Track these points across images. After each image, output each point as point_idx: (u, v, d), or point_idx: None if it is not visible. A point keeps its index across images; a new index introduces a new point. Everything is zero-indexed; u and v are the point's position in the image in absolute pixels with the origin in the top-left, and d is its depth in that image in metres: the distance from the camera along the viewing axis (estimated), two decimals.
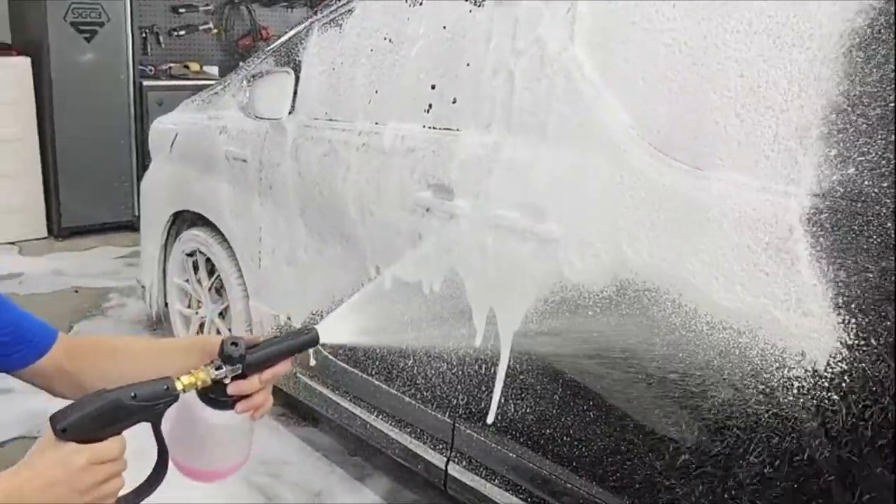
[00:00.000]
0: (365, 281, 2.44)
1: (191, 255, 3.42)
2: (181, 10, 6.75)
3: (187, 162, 3.26)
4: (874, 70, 1.34)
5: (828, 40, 1.40)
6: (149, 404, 1.02)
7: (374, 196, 2.31)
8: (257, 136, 2.78)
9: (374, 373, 2.51)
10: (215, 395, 1.12)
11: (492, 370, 2.07)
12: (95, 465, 0.97)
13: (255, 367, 1.12)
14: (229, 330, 3.24)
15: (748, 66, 1.50)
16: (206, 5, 6.87)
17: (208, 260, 3.31)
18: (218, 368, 1.09)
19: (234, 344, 1.11)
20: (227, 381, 1.11)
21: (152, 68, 6.26)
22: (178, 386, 1.05)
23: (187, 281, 3.52)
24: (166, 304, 3.68)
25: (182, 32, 6.77)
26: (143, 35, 6.48)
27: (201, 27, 6.83)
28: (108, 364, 1.25)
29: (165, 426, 1.10)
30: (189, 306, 3.58)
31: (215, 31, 6.88)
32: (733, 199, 1.51)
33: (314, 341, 1.19)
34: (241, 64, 3.05)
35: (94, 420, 0.98)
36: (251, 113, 2.62)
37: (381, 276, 2.32)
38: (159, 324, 3.91)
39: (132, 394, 1.01)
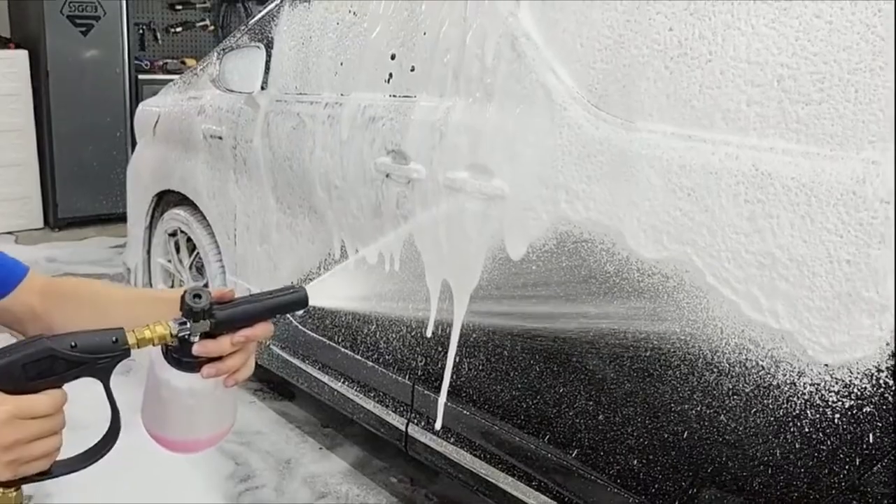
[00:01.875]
0: (331, 254, 2.50)
1: (173, 234, 3.49)
2: (178, 7, 6.85)
3: (169, 143, 3.33)
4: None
5: None
6: (91, 356, 0.89)
7: (338, 168, 2.37)
8: (232, 114, 2.85)
9: (340, 340, 2.56)
10: (180, 356, 0.96)
11: (447, 331, 2.12)
12: (21, 420, 0.84)
13: (225, 325, 0.96)
14: None
15: (676, 20, 1.56)
16: (204, 2, 6.97)
17: (189, 239, 3.37)
18: (182, 324, 0.93)
19: (197, 296, 0.94)
20: (193, 339, 0.94)
21: (149, 63, 6.35)
22: (131, 339, 0.91)
23: (170, 261, 3.58)
24: (150, 285, 3.74)
25: (179, 29, 6.87)
26: (141, 31, 6.58)
27: (198, 24, 6.93)
28: (83, 310, 1.11)
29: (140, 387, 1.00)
30: (172, 286, 3.64)
31: (212, 27, 6.98)
32: (661, 148, 1.56)
33: (302, 302, 1.03)
34: (221, 45, 3.12)
35: (24, 368, 0.86)
36: (221, 85, 2.68)
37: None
38: None
39: (72, 343, 0.88)
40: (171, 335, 0.93)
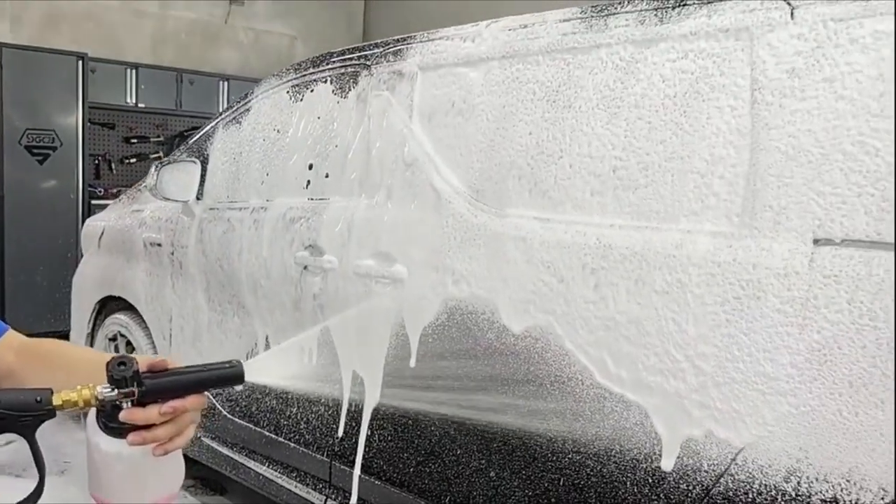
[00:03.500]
0: (255, 348, 2.65)
1: (113, 339, 3.58)
2: (133, 141, 7.10)
3: (113, 253, 3.48)
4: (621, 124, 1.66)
5: (587, 102, 1.72)
6: (13, 414, 0.89)
7: (262, 267, 2.55)
8: (170, 223, 3.03)
9: (265, 424, 2.67)
10: (108, 421, 0.94)
11: (360, 407, 2.26)
12: None
13: (154, 394, 0.93)
14: None
15: (534, 125, 1.83)
16: (157, 137, 7.24)
17: (129, 343, 3.47)
18: (108, 390, 0.91)
19: (122, 364, 0.91)
20: (124, 405, 0.92)
21: (102, 190, 6.53)
22: (56, 401, 0.90)
23: None
24: None
25: (133, 160, 7.09)
26: (96, 161, 6.79)
27: (152, 156, 7.16)
28: (57, 371, 1.09)
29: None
30: None
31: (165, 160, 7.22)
32: (525, 230, 1.79)
33: (237, 377, 1.00)
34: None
35: None
36: (158, 194, 2.88)
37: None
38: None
39: None
40: (97, 399, 0.91)
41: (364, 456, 2.27)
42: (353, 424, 2.29)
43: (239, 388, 0.86)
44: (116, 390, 0.91)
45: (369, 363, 2.20)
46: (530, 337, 1.77)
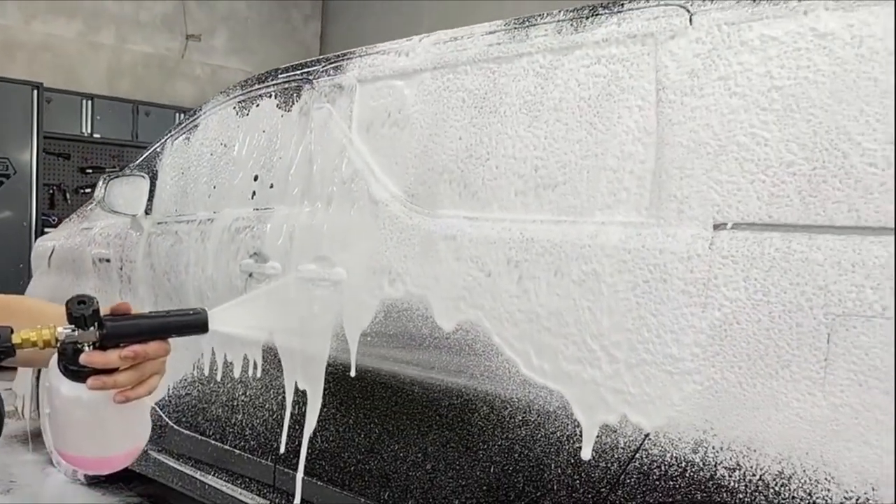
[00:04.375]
0: (201, 359, 2.66)
1: None
2: (88, 171, 7.07)
3: (62, 271, 3.46)
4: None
5: (511, 108, 1.81)
6: None
7: (209, 277, 2.58)
8: (119, 238, 3.04)
9: (210, 433, 2.67)
10: (69, 364, 0.90)
11: (303, 411, 2.28)
12: None
13: (115, 338, 0.90)
14: None
15: (463, 130, 1.90)
16: (113, 167, 7.21)
17: None
18: (69, 331, 0.89)
19: (82, 302, 0.88)
20: (85, 348, 0.89)
21: (56, 219, 6.46)
22: (15, 339, 0.88)
23: None
24: (38, 412, 3.73)
25: (88, 191, 7.05)
26: (51, 191, 6.74)
27: None
28: (19, 320, 1.01)
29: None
30: None
31: None
32: (455, 228, 1.86)
33: (201, 324, 0.97)
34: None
35: None
36: (106, 207, 2.89)
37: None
38: (34, 440, 3.92)
39: None
40: (56, 340, 0.88)
41: (307, 458, 2.29)
42: (297, 427, 2.31)
43: (204, 335, 0.84)
44: (77, 331, 0.88)
45: (311, 367, 2.23)
46: (462, 331, 1.83)
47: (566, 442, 1.64)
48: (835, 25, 1.33)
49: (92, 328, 0.88)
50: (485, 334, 1.78)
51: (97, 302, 0.89)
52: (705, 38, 1.49)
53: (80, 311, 0.87)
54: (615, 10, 1.66)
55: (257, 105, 2.56)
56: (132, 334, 0.91)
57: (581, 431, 1.60)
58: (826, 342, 1.29)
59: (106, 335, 0.89)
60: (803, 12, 1.37)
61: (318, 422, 2.23)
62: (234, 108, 2.66)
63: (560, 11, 1.76)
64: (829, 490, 1.28)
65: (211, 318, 0.98)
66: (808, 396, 1.30)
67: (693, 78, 1.49)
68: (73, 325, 0.88)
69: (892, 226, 1.24)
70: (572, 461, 1.63)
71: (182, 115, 7.14)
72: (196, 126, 2.79)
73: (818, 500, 1.29)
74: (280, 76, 2.51)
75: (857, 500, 1.25)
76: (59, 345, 0.88)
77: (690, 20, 1.52)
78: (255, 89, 2.58)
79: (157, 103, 7.09)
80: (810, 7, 1.37)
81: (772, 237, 1.36)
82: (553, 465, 1.66)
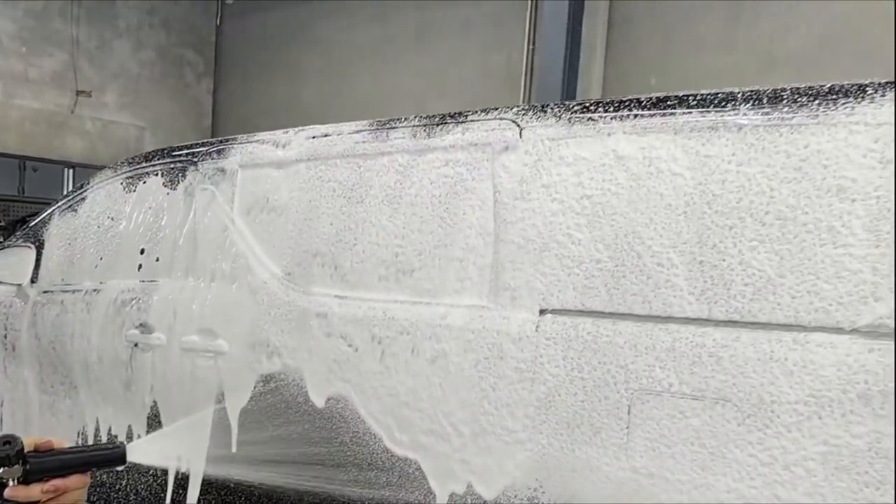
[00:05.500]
0: (85, 428, 2.69)
1: None
2: None
3: None
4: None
5: (375, 199, 1.99)
6: None
7: (94, 348, 2.63)
8: (3, 306, 3.04)
9: (95, 500, 2.69)
10: None
11: (187, 476, 2.36)
12: None
13: (38, 473, 0.98)
14: None
15: (334, 217, 2.07)
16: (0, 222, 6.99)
17: None
18: None
19: (7, 443, 0.96)
20: (10, 483, 0.97)
21: None
22: None
23: None
24: None
25: None
26: None
27: None
28: None
29: None
30: None
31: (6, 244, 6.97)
32: (327, 306, 2.02)
33: (120, 458, 1.06)
34: None
35: None
36: None
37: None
38: None
39: None
40: None
41: None
42: (181, 492, 2.38)
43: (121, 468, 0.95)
44: (3, 468, 0.96)
45: (194, 439, 2.32)
46: (333, 401, 1.98)
47: None
48: (630, 147, 1.59)
49: (17, 465, 0.97)
50: (353, 407, 1.93)
51: (21, 441, 0.98)
52: (532, 150, 1.72)
53: (6, 451, 0.96)
54: (460, 120, 1.88)
55: (144, 182, 2.66)
56: (54, 469, 1.00)
57: (435, 499, 1.77)
58: (627, 413, 1.51)
59: (29, 471, 0.98)
60: (607, 134, 1.62)
61: (202, 492, 2.31)
62: (122, 183, 2.74)
63: (415, 117, 1.97)
64: None
65: (129, 450, 1.07)
66: (614, 460, 1.52)
67: (522, 184, 1.72)
68: None
69: (673, 315, 1.48)
70: None
71: (71, 171, 7.04)
72: (84, 199, 2.85)
73: None
74: (166, 156, 2.62)
75: None
76: None
77: (520, 134, 1.75)
78: (142, 167, 2.68)
79: (46, 158, 6.95)
80: (612, 130, 1.62)
81: (584, 322, 1.59)
82: None
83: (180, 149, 2.62)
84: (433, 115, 1.94)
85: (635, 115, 1.59)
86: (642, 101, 1.60)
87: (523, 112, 1.78)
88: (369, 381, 1.89)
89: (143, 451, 1.11)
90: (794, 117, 1.42)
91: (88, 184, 2.89)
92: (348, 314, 1.97)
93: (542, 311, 1.65)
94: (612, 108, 1.63)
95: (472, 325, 1.74)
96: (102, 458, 1.06)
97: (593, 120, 1.65)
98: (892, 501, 1.28)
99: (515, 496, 1.64)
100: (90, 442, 2.67)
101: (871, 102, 1.37)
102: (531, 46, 6.49)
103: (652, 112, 1.57)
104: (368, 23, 7.90)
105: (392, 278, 1.92)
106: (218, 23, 8.41)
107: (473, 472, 1.70)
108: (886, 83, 1.38)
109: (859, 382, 1.31)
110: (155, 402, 2.44)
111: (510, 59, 6.84)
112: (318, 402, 2.00)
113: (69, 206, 2.91)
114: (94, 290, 2.68)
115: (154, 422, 2.44)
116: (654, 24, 6.06)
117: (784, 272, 1.39)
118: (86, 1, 7.32)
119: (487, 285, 1.74)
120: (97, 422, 2.67)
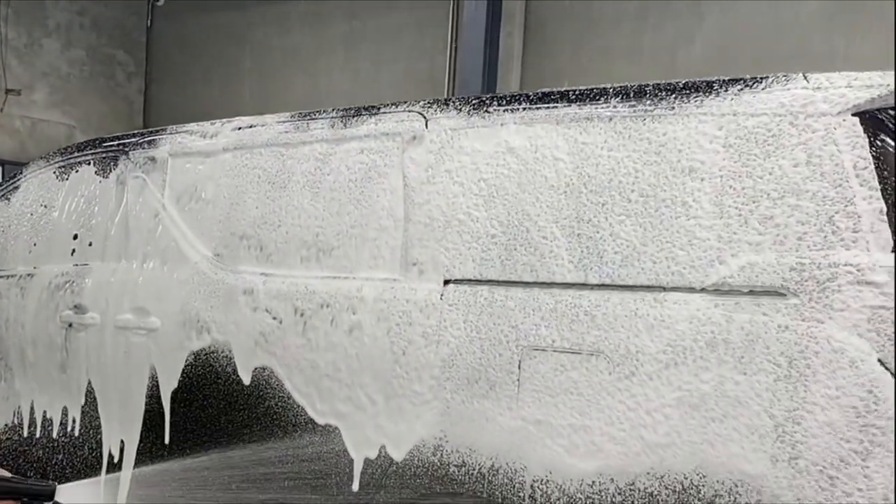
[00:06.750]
0: (19, 411, 2.73)
1: None
2: None
3: None
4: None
5: (297, 185, 2.12)
6: None
7: (29, 332, 2.68)
8: None
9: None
10: None
11: (120, 462, 2.44)
12: None
13: None
14: None
15: (261, 201, 2.19)
16: None
17: None
18: None
19: None
20: None
21: None
22: None
23: None
24: None
25: None
26: None
27: None
28: None
29: None
30: None
31: None
32: (252, 283, 2.14)
33: (48, 494, 1.11)
34: None
35: None
36: None
37: None
38: None
39: None
40: None
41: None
42: (114, 484, 2.45)
43: None
44: None
45: (132, 411, 2.40)
46: (259, 375, 2.10)
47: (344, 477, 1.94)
48: (519, 136, 1.76)
49: None
50: (278, 379, 2.05)
51: None
52: (436, 139, 1.88)
53: None
54: (373, 112, 2.03)
55: (77, 171, 2.72)
56: None
57: (353, 467, 1.90)
58: (518, 368, 1.68)
59: None
60: (500, 125, 1.80)
61: (134, 480, 2.39)
62: (55, 172, 2.79)
63: (333, 109, 2.11)
64: (524, 476, 1.67)
65: (58, 491, 1.09)
66: (507, 411, 1.69)
67: (428, 170, 1.88)
68: None
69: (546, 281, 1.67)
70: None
71: (0, 168, 6.88)
72: (17, 188, 2.88)
73: (516, 484, 1.67)
74: (98, 146, 2.69)
75: (542, 480, 1.64)
76: None
77: (426, 124, 1.91)
78: (75, 157, 2.74)
79: None
80: (504, 121, 1.79)
81: (482, 290, 1.76)
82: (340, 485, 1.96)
83: (112, 139, 2.69)
84: (349, 108, 2.09)
85: (524, 108, 1.77)
86: (530, 96, 1.78)
87: (429, 105, 1.94)
88: (292, 354, 2.02)
89: (73, 494, 1.13)
90: (654, 109, 1.62)
91: (21, 174, 2.92)
92: (273, 289, 2.10)
93: (446, 282, 1.81)
94: (504, 102, 1.81)
95: (385, 295, 1.89)
96: (31, 491, 1.13)
97: (489, 112, 1.82)
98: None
99: (421, 452, 1.80)
100: (25, 425, 2.71)
101: (717, 96, 1.58)
102: (453, 51, 6.69)
103: (538, 105, 1.76)
104: (302, 27, 7.98)
105: (313, 258, 2.06)
106: (149, 24, 8.35)
107: (386, 436, 1.85)
108: (730, 80, 1.59)
109: (707, 333, 1.51)
110: (90, 382, 2.51)
111: (434, 63, 7.02)
112: (246, 375, 2.12)
113: (2, 196, 2.94)
114: (28, 275, 2.73)
115: (90, 398, 2.51)
116: (567, 34, 6.34)
117: (647, 241, 1.58)
118: (15, 0, 7.19)
119: (398, 261, 1.90)
120: (32, 404, 2.71)
